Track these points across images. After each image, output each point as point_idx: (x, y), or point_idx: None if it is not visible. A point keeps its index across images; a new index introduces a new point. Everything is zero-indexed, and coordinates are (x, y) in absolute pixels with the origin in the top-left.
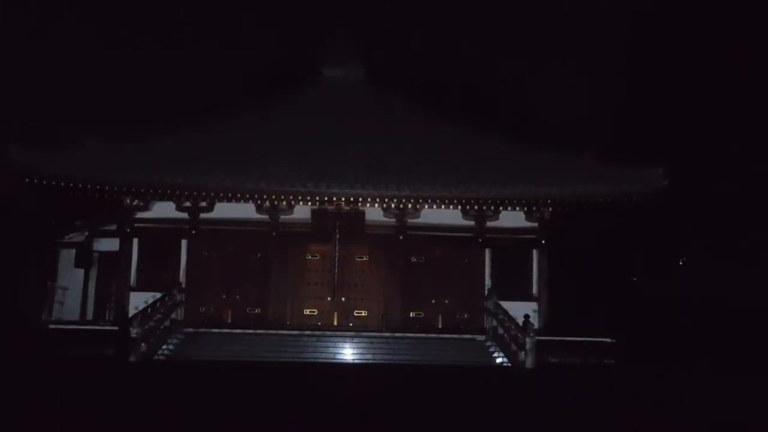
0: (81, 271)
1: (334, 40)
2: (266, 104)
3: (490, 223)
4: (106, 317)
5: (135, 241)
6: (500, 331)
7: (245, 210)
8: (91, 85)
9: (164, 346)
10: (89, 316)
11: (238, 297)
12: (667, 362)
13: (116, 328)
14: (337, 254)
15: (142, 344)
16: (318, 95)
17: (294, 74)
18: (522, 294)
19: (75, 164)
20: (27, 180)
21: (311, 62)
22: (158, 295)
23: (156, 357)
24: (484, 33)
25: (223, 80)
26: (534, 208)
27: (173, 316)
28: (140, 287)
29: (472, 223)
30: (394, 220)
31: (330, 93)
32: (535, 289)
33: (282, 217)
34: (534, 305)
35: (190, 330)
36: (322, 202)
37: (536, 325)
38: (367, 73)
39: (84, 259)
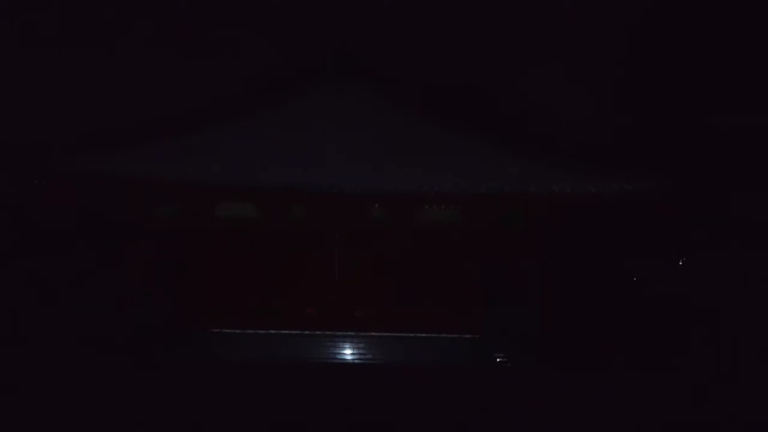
0: None
1: (334, 42)
2: (266, 104)
3: (491, 222)
4: None
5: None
6: (500, 330)
7: (245, 209)
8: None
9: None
10: None
11: (237, 296)
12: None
13: None
14: (337, 254)
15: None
16: (318, 95)
17: (293, 75)
18: (522, 294)
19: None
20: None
21: (311, 63)
22: None
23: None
24: (484, 32)
25: (226, 81)
26: (534, 206)
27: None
28: None
29: (473, 221)
30: (395, 218)
31: (330, 93)
32: (535, 289)
33: (281, 215)
34: (534, 305)
35: (191, 329)
36: (322, 200)
37: (536, 325)
38: (367, 73)
39: None
